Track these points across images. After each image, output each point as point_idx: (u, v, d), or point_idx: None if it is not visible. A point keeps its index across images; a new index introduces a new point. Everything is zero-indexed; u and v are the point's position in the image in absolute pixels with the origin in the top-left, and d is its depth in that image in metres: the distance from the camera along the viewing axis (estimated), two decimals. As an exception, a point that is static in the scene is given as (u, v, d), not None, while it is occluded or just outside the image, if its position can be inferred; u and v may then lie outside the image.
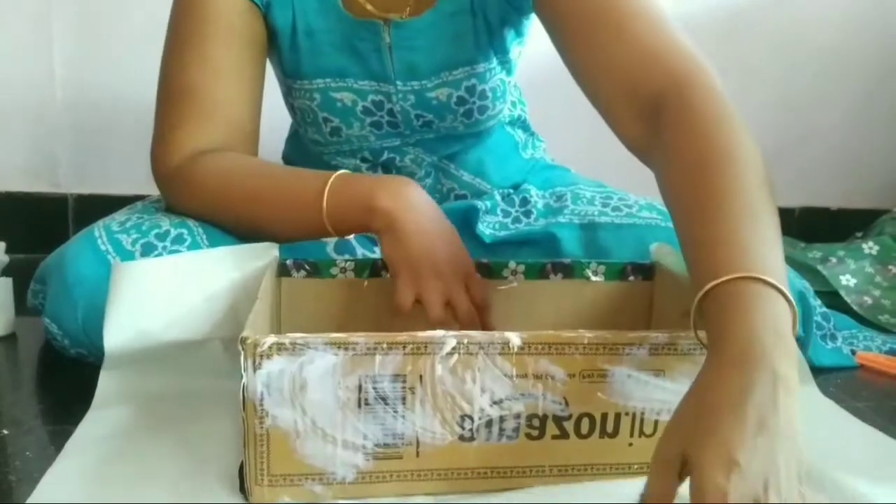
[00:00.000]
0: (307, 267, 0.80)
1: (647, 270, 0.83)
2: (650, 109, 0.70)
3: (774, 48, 1.52)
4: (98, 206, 1.26)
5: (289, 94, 0.96)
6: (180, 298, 0.75)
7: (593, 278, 0.82)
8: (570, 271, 0.82)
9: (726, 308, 0.51)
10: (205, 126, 0.83)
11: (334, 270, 0.80)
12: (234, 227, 0.82)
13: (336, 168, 0.96)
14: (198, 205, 0.82)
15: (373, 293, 0.80)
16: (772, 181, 0.61)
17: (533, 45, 1.01)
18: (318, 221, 0.76)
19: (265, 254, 0.78)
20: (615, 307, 0.83)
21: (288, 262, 0.80)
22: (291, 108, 0.98)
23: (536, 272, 0.82)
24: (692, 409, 0.49)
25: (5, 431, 0.74)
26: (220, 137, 0.83)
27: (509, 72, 0.97)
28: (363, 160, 0.98)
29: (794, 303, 0.52)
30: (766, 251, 0.54)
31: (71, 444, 0.68)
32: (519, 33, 0.94)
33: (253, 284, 0.73)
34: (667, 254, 0.81)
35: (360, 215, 0.74)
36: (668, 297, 0.81)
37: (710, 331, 0.52)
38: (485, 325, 0.75)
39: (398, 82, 0.91)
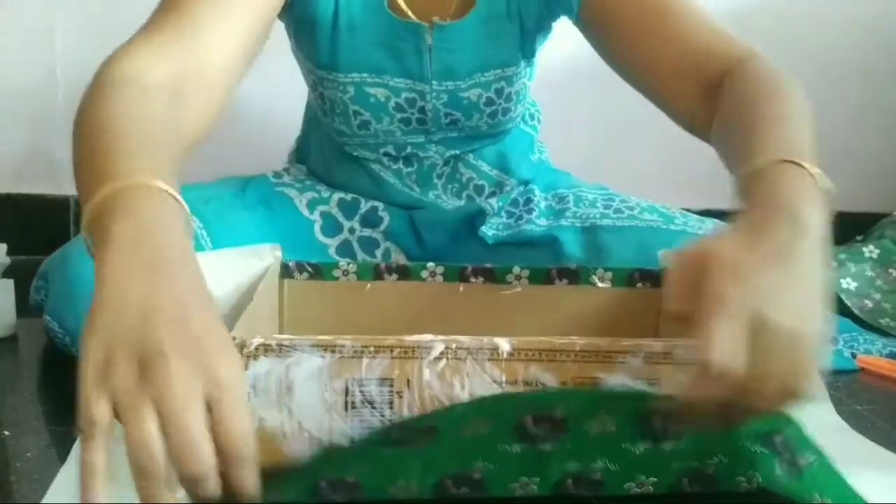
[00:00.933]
0: (309, 269, 0.80)
1: (655, 277, 0.81)
2: (713, 88, 0.76)
3: (774, 52, 1.52)
4: (99, 208, 1.26)
5: (319, 83, 0.94)
6: None
7: (600, 284, 0.81)
8: (575, 277, 0.81)
9: (762, 180, 0.56)
10: (164, 46, 0.70)
11: (336, 273, 0.80)
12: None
13: (356, 160, 0.98)
14: (75, 128, 0.68)
15: (375, 296, 0.80)
16: (813, 122, 0.67)
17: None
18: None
19: (268, 255, 0.78)
20: (621, 315, 0.81)
21: (290, 263, 0.80)
22: (320, 97, 0.96)
23: (541, 277, 0.81)
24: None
25: (6, 433, 0.74)
26: (173, 64, 0.69)
27: (531, 76, 0.98)
28: (385, 154, 0.98)
29: (825, 182, 0.57)
30: (800, 144, 0.61)
31: (78, 446, 0.68)
32: (546, 37, 0.95)
33: (253, 285, 0.73)
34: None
35: (98, 232, 0.51)
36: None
37: (745, 200, 0.56)
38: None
39: (434, 82, 0.91)
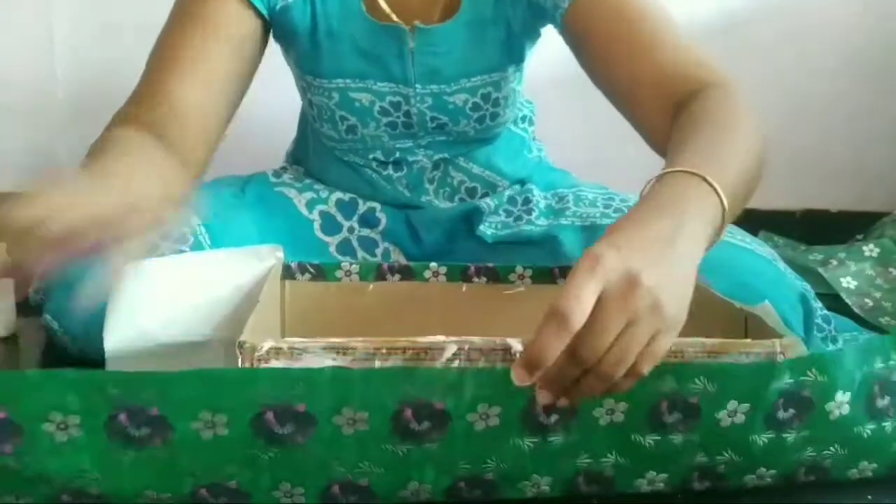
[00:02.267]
0: (311, 269, 0.80)
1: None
2: (680, 109, 0.74)
3: (775, 53, 1.52)
4: (99, 207, 1.26)
5: (308, 89, 0.96)
6: (182, 299, 0.75)
7: (513, 281, 0.81)
8: (491, 274, 0.82)
9: (659, 184, 0.57)
10: (143, 106, 0.80)
11: (339, 273, 0.80)
12: None
13: (349, 165, 0.99)
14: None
15: (378, 297, 0.80)
16: (762, 160, 0.66)
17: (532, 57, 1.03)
18: None
19: (269, 256, 0.78)
20: (536, 311, 0.80)
21: (292, 264, 0.80)
22: (309, 104, 0.98)
23: (544, 276, 0.81)
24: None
25: (6, 432, 0.74)
26: (154, 116, 0.78)
27: (520, 81, 0.98)
28: (375, 160, 0.98)
29: (724, 200, 0.56)
30: (718, 166, 0.58)
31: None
32: (534, 42, 0.95)
33: (255, 286, 0.73)
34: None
35: None
36: None
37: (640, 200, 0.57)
38: None
39: (418, 85, 0.91)
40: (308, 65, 0.92)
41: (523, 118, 1.06)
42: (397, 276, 0.82)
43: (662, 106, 0.76)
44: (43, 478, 0.54)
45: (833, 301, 1.21)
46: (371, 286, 0.80)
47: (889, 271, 1.32)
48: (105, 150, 0.69)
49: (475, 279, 0.82)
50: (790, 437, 0.60)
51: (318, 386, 0.53)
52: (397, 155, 0.97)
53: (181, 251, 0.82)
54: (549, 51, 1.00)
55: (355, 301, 0.80)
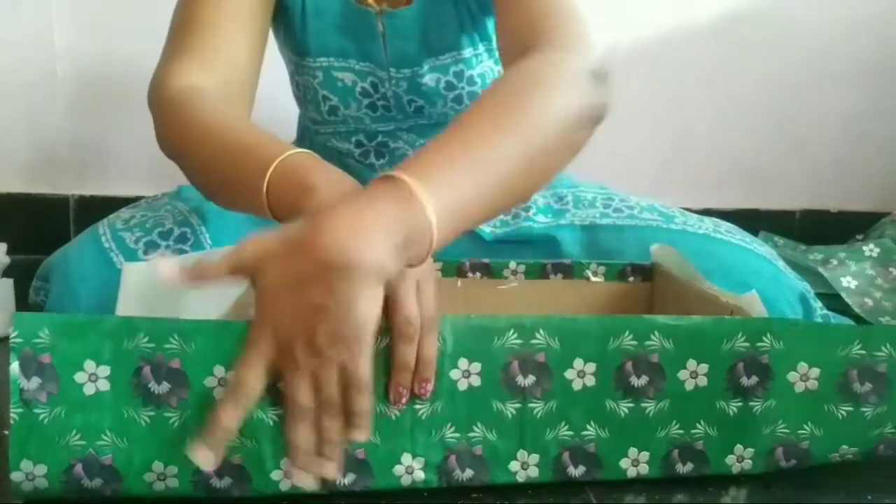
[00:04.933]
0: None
1: (646, 271, 0.84)
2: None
3: (774, 52, 1.52)
4: (99, 207, 1.26)
5: (296, 71, 0.97)
6: (189, 298, 0.74)
7: (593, 279, 0.84)
8: (569, 272, 0.84)
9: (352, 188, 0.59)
10: (205, 62, 0.78)
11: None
12: (197, 185, 0.77)
13: (330, 151, 0.99)
14: (171, 149, 0.77)
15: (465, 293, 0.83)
16: (541, 135, 0.61)
17: None
18: (260, 204, 0.64)
19: None
20: (615, 308, 0.83)
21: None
22: (297, 87, 0.99)
23: (536, 272, 0.83)
24: None
25: (6, 432, 0.73)
26: (217, 77, 0.78)
27: (497, 61, 0.97)
28: (357, 144, 0.99)
29: (426, 206, 0.53)
30: (448, 173, 0.56)
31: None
32: (492, 11, 0.93)
33: None
34: (667, 255, 0.82)
35: (296, 193, 0.60)
36: (667, 299, 0.81)
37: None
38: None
39: (392, 69, 0.92)
40: (297, 44, 0.93)
41: None
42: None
43: (508, 60, 0.73)
44: (63, 438, 0.55)
45: (833, 301, 1.21)
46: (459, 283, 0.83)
47: (889, 271, 1.32)
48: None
49: (470, 274, 0.84)
50: (757, 406, 0.62)
51: None
52: (379, 139, 0.98)
53: (182, 251, 0.82)
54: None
55: None
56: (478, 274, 0.84)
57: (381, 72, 0.93)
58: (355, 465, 0.58)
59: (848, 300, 1.23)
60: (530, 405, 0.60)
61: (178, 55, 0.78)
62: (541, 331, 0.59)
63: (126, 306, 0.72)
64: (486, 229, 0.95)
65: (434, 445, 0.59)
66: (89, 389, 0.55)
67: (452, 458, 0.60)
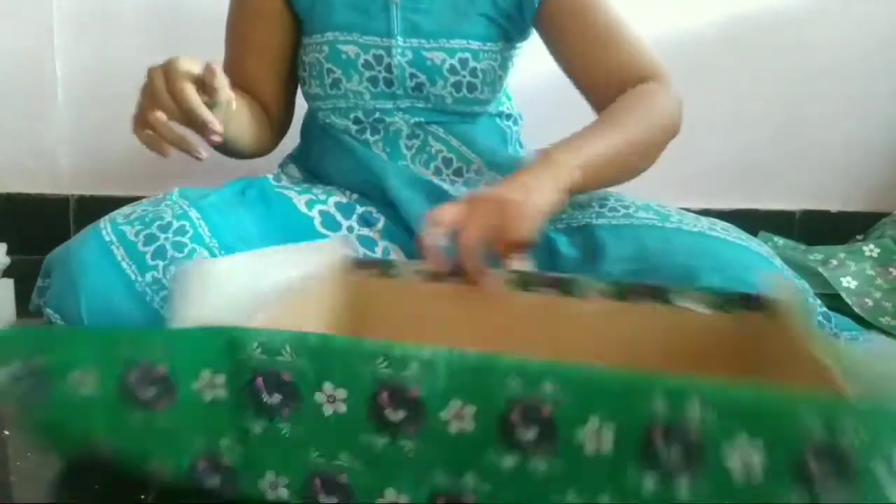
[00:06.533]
0: (380, 265, 0.77)
1: (753, 301, 0.68)
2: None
3: (775, 54, 1.52)
4: (99, 208, 1.26)
5: (303, 51, 1.02)
6: (244, 296, 0.72)
7: (687, 305, 0.70)
8: (660, 295, 0.71)
9: (536, 159, 0.81)
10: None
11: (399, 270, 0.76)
12: None
13: (329, 127, 1.03)
14: None
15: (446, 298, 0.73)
16: (649, 134, 0.90)
17: (524, 65, 1.05)
18: None
19: (332, 251, 0.77)
20: (713, 343, 0.69)
21: (360, 257, 0.79)
22: (303, 68, 1.03)
23: (618, 293, 0.72)
24: None
25: (6, 432, 0.74)
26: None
27: (503, 66, 1.01)
28: (355, 121, 1.01)
29: (564, 162, 0.80)
30: (576, 146, 0.83)
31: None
32: (520, 31, 1.01)
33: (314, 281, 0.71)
34: (783, 287, 0.68)
35: None
36: (785, 341, 0.63)
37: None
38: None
39: (399, 38, 0.97)
40: (304, 19, 1.00)
41: (508, 116, 1.08)
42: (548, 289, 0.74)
43: (611, 94, 0.93)
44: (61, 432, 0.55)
45: (833, 301, 1.21)
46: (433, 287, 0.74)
47: (889, 271, 1.32)
48: None
49: (539, 289, 0.73)
50: (682, 488, 0.46)
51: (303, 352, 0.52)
52: (376, 115, 1.01)
53: (181, 243, 0.82)
54: (540, 64, 1.01)
55: (430, 301, 0.74)
56: (550, 289, 0.73)
57: (389, 40, 0.98)
58: (339, 488, 0.54)
59: (848, 300, 1.23)
60: (532, 462, 0.50)
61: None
62: (548, 381, 0.48)
63: (184, 305, 0.70)
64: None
65: (421, 485, 0.53)
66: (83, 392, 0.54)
67: (440, 500, 0.52)
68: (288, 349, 0.52)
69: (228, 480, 0.55)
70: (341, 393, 0.52)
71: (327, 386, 0.52)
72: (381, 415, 0.52)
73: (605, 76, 0.96)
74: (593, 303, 0.71)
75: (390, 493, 0.53)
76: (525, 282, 0.73)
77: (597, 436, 0.47)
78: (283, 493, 0.55)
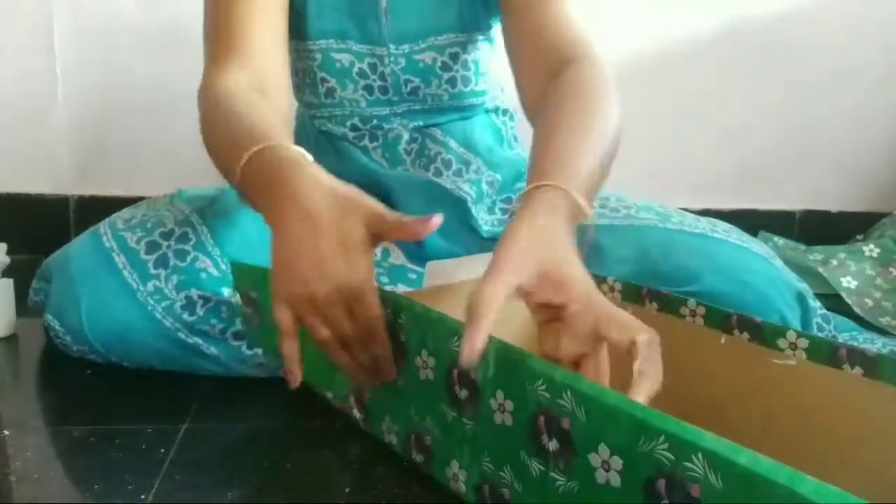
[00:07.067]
0: (659, 299, 0.74)
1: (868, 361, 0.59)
2: (550, 76, 0.82)
3: (776, 55, 1.52)
4: (99, 208, 1.27)
5: (296, 58, 0.99)
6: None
7: (788, 350, 0.63)
8: (758, 332, 0.65)
9: (530, 199, 0.64)
10: (242, 63, 0.84)
11: (683, 310, 0.71)
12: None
13: (327, 135, 1.01)
14: (206, 143, 0.81)
15: (726, 353, 0.67)
16: (615, 138, 0.75)
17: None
18: (236, 182, 0.70)
19: None
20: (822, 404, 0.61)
21: (643, 289, 0.75)
22: (295, 74, 1.01)
23: (717, 321, 0.69)
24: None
25: (6, 432, 0.74)
26: (256, 76, 0.85)
27: (493, 49, 1.01)
28: (353, 128, 1.00)
29: (581, 203, 0.64)
30: (575, 172, 0.66)
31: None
32: (497, 14, 0.98)
33: None
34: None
35: (264, 181, 0.66)
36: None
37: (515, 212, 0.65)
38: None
39: (391, 45, 0.95)
40: (296, 28, 0.96)
41: (504, 111, 1.07)
42: (654, 305, 0.73)
43: (537, 69, 0.84)
44: None
45: (833, 301, 1.21)
46: (723, 339, 0.68)
47: (889, 271, 1.32)
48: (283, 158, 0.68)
49: (735, 332, 0.67)
50: None
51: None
52: (374, 122, 1.00)
53: (184, 251, 0.82)
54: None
55: (702, 348, 0.69)
56: (746, 333, 0.67)
57: (381, 49, 0.96)
58: (424, 449, 0.62)
59: (848, 300, 1.23)
60: (552, 475, 0.50)
61: (218, 59, 0.84)
62: (568, 393, 0.48)
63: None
64: (484, 226, 0.95)
65: (475, 466, 0.57)
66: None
67: (486, 487, 0.56)
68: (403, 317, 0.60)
69: (365, 418, 0.69)
70: (431, 361, 0.59)
71: (424, 353, 0.59)
72: (452, 389, 0.57)
73: (529, 45, 0.87)
74: (788, 360, 0.64)
75: (454, 466, 0.59)
76: (636, 292, 0.76)
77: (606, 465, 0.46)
78: (394, 439, 0.66)
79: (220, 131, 0.75)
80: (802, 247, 1.47)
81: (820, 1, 1.51)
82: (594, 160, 0.69)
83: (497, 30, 1.00)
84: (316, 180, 0.62)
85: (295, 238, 0.59)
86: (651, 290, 0.75)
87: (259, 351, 0.83)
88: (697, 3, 1.49)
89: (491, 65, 1.02)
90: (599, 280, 0.77)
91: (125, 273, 0.82)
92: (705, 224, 0.91)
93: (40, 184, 1.43)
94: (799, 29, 1.52)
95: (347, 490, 0.66)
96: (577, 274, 0.56)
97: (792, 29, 1.51)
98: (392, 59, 0.96)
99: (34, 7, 1.37)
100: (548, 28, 0.85)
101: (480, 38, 0.98)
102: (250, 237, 0.88)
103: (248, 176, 0.66)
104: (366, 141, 1.01)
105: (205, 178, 1.02)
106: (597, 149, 0.71)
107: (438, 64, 0.97)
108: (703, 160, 1.56)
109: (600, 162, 0.70)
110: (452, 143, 1.02)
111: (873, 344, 1.07)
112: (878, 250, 1.35)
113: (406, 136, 1.01)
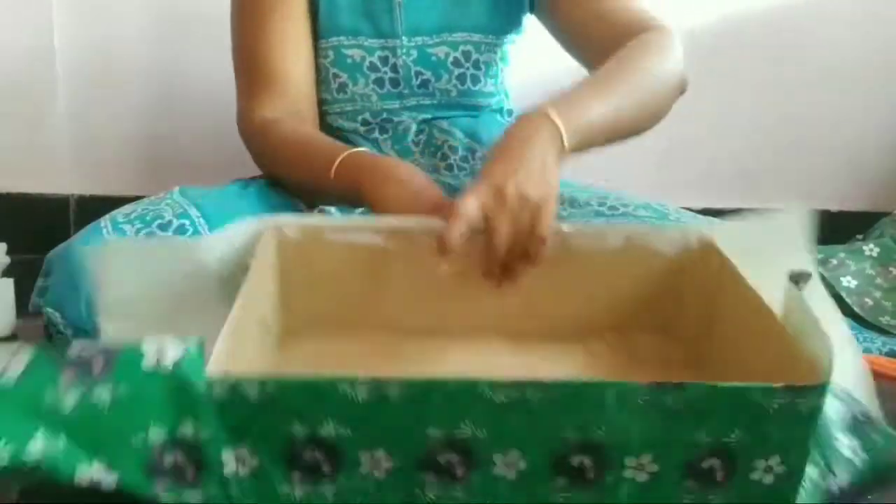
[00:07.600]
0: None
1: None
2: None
3: (774, 53, 1.52)
4: (99, 207, 1.26)
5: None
6: (165, 277, 0.68)
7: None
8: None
9: (519, 123, 0.76)
10: (275, 95, 0.95)
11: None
12: (294, 188, 0.95)
13: (338, 131, 1.03)
14: (267, 169, 0.98)
15: (401, 259, 0.72)
16: (657, 91, 0.86)
17: (525, 65, 1.06)
18: (332, 188, 0.85)
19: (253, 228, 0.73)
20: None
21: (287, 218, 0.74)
22: None
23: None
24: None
25: (6, 432, 0.74)
26: (290, 106, 0.96)
27: (504, 58, 1.04)
28: (363, 122, 1.03)
29: (561, 129, 0.74)
30: (579, 109, 0.77)
31: None
32: (516, 22, 1.03)
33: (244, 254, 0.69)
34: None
35: (354, 177, 0.83)
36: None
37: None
38: None
39: (404, 38, 0.99)
40: (316, 22, 0.99)
41: (510, 112, 1.09)
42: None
43: (607, 48, 0.89)
44: None
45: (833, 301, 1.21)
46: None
47: (889, 271, 1.32)
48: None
49: None
50: None
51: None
52: (384, 116, 1.02)
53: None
54: (546, 49, 1.01)
55: (373, 265, 0.73)
56: None
57: (394, 41, 0.99)
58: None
59: (848, 300, 1.23)
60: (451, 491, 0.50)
61: (253, 93, 0.96)
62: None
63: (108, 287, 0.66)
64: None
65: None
66: None
67: None
68: None
69: None
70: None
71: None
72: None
73: (598, 30, 0.94)
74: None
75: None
76: None
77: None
78: None
79: (296, 151, 0.90)
80: (802, 246, 1.47)
81: None
82: (606, 104, 0.78)
83: (512, 48, 1.04)
84: (405, 165, 0.83)
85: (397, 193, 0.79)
86: None
87: None
88: (696, 2, 1.49)
89: (501, 72, 1.05)
90: None
91: None
92: (703, 222, 0.91)
93: (40, 184, 1.43)
94: (799, 28, 1.52)
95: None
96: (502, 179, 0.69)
97: (792, 28, 1.51)
98: (405, 50, 0.99)
99: (34, 8, 1.37)
100: (615, 11, 0.93)
101: (495, 41, 1.01)
102: None
103: (342, 175, 0.83)
104: (376, 134, 1.03)
105: (205, 178, 1.02)
106: (619, 92, 0.80)
107: (451, 59, 1.00)
108: (702, 160, 1.56)
109: (616, 106, 0.79)
110: (458, 134, 1.04)
111: (873, 343, 1.07)
112: (878, 250, 1.35)
113: (414, 128, 1.03)
